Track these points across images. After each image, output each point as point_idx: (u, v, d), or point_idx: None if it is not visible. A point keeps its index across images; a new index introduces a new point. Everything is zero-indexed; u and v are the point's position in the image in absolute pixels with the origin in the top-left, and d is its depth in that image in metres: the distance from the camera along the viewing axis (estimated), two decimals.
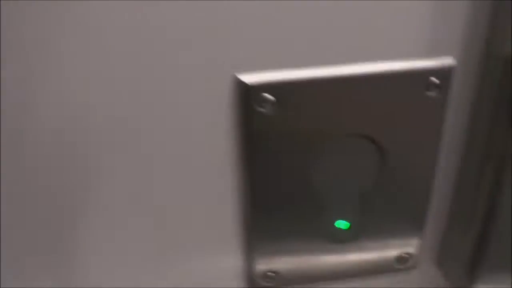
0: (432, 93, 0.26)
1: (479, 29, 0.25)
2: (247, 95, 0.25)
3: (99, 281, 0.30)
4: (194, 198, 0.28)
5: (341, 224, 0.29)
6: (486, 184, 0.28)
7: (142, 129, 0.26)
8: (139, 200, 0.28)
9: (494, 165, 0.27)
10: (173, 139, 0.26)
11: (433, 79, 0.26)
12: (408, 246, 0.31)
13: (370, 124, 0.26)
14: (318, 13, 0.24)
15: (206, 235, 0.29)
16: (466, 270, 0.30)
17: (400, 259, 0.31)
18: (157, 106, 0.25)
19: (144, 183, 0.27)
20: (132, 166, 0.27)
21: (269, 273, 0.30)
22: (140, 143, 0.26)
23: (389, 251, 0.31)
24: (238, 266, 0.31)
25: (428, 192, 0.29)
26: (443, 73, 0.26)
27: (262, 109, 0.25)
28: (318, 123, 0.26)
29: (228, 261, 0.30)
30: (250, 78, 0.25)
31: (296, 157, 0.27)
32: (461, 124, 0.28)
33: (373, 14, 0.24)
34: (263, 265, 0.30)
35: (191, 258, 0.30)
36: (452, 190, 0.30)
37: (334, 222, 0.29)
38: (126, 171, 0.27)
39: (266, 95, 0.25)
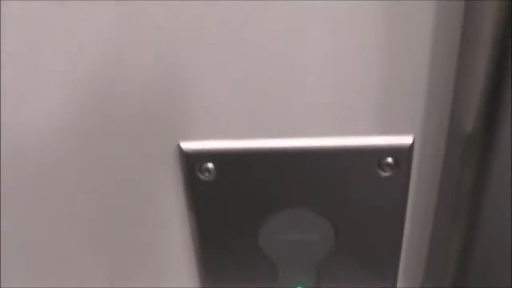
0: (386, 174, 0.24)
1: (443, 105, 0.23)
2: (188, 162, 0.25)
3: None
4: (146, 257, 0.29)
5: None
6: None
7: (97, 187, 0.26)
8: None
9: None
10: (126, 197, 0.27)
11: (388, 159, 0.24)
12: None
13: (318, 199, 0.25)
14: (270, 86, 0.23)
15: None
16: None
17: None
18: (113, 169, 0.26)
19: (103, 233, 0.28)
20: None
21: None
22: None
23: None
24: None
25: (392, 264, 0.27)
26: (400, 153, 0.24)
27: (202, 176, 0.25)
28: (260, 194, 0.25)
29: None
30: (190, 146, 0.24)
31: (241, 226, 0.26)
32: (425, 198, 0.26)
33: (326, 88, 0.23)
34: None
35: None
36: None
37: None
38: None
39: (206, 163, 0.25)
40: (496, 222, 0.23)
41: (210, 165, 0.25)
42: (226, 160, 0.24)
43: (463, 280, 0.25)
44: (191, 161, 0.25)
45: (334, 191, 0.25)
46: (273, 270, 0.28)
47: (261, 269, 0.28)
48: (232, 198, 0.25)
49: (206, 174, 0.25)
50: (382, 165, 0.24)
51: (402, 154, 0.24)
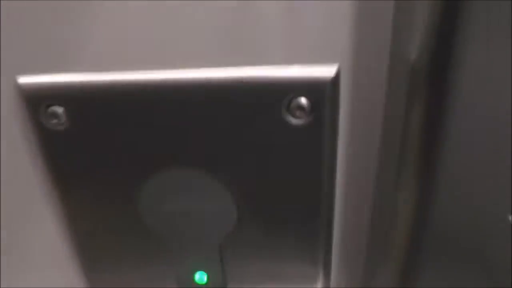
0: (298, 121, 0.17)
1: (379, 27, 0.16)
2: (29, 106, 0.18)
3: None
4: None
5: (199, 277, 0.21)
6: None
7: None
8: None
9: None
10: None
11: (301, 100, 0.17)
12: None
13: (210, 157, 0.18)
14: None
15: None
16: None
17: None
18: None
19: None
20: None
21: None
22: None
23: None
24: None
25: (317, 244, 0.21)
26: (318, 91, 0.17)
27: (48, 124, 0.18)
28: (131, 147, 0.18)
29: None
30: (31, 81, 0.18)
31: (111, 192, 0.19)
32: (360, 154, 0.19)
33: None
34: None
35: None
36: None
37: (192, 274, 0.22)
38: None
39: (54, 106, 0.18)
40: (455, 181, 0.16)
41: (59, 108, 0.18)
42: (81, 101, 0.17)
43: (415, 261, 0.19)
44: (33, 104, 0.18)
45: (230, 146, 0.18)
46: (165, 252, 0.21)
47: (148, 251, 0.21)
48: (93, 153, 0.18)
49: (55, 121, 0.18)
50: (292, 109, 0.17)
51: (320, 93, 0.17)
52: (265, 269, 0.22)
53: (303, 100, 0.17)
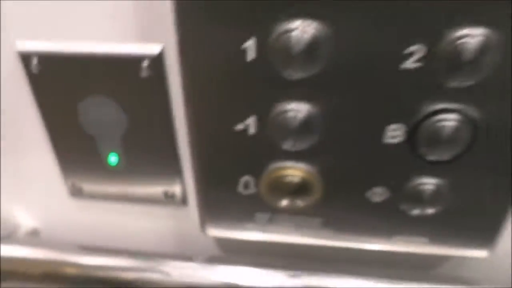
0: (146, 74, 0.36)
1: None
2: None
3: None
4: None
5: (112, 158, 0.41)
6: None
7: None
8: None
9: None
10: None
11: (144, 63, 0.35)
12: (173, 186, 0.42)
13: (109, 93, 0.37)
14: None
15: None
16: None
17: (167, 195, 0.42)
18: None
19: None
20: None
21: None
22: None
23: (157, 187, 0.42)
24: None
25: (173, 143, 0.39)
26: (153, 58, 0.35)
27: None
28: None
29: None
30: None
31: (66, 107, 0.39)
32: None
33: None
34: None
35: None
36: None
37: (107, 156, 0.41)
38: None
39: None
40: None
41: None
42: None
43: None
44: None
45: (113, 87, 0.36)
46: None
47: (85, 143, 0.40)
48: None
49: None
50: (141, 68, 0.35)
51: (156, 58, 0.35)
52: None
53: (145, 63, 0.35)
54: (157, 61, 0.34)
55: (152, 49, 0.34)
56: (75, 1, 0.33)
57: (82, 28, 0.34)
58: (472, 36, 0.27)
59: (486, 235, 0.38)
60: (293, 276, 0.40)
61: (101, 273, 0.39)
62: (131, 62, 0.35)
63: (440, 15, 0.27)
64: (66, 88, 0.37)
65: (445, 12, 0.27)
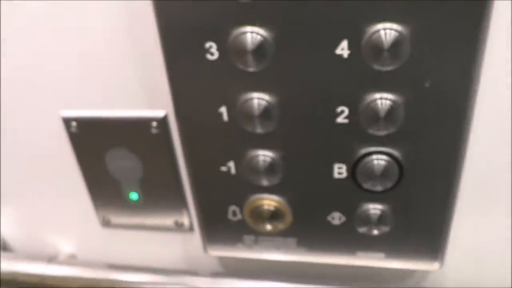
0: (155, 131, 0.48)
1: None
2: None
3: None
4: None
5: (133, 195, 0.53)
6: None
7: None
8: None
9: None
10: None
11: (153, 123, 0.48)
12: (182, 216, 0.54)
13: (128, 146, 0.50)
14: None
15: None
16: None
17: (177, 224, 0.54)
18: None
19: None
20: None
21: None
22: None
23: (169, 218, 0.54)
24: None
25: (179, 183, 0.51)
26: (160, 119, 0.48)
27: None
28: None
29: None
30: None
31: (96, 158, 0.52)
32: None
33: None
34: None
35: None
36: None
37: (129, 195, 0.53)
38: None
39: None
40: None
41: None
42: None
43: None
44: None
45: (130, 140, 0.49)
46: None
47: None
48: None
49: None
50: (151, 127, 0.48)
51: (162, 120, 0.47)
52: None
53: (155, 123, 0.48)
54: (163, 121, 0.47)
55: (159, 113, 0.46)
56: (102, 83, 0.46)
57: (108, 99, 0.47)
58: (382, 100, 0.37)
59: (434, 249, 0.46)
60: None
61: (125, 286, 0.51)
62: (144, 123, 0.47)
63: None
64: (96, 143, 0.49)
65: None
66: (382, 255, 0.48)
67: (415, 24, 0.33)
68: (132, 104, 0.46)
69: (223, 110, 0.40)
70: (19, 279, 0.53)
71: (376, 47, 0.34)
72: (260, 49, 0.35)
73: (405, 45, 0.34)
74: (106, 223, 0.55)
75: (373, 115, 0.38)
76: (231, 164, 0.43)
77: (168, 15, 0.36)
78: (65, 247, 0.59)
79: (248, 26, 0.35)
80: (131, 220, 0.54)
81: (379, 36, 0.33)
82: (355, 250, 0.48)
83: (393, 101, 0.36)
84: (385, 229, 0.46)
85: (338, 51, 0.35)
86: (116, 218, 0.54)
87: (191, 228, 0.53)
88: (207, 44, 0.37)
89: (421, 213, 0.44)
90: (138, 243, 0.56)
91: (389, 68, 0.35)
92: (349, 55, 0.35)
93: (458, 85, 0.35)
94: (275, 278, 0.51)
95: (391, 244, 0.47)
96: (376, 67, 0.35)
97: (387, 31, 0.33)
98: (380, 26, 0.34)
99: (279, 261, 0.49)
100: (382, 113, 0.37)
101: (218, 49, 0.37)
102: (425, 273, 0.51)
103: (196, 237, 0.54)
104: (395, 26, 0.33)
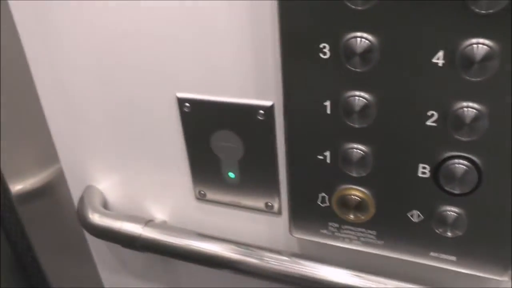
0: (261, 118, 0.58)
1: None
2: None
3: None
4: None
5: (231, 174, 0.63)
6: None
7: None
8: None
9: None
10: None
11: (261, 111, 0.58)
12: (273, 200, 0.63)
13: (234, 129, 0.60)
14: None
15: None
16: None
17: (267, 206, 0.64)
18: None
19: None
20: None
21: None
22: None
23: (260, 200, 0.64)
24: None
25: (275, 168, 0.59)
26: (267, 108, 0.57)
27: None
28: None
29: None
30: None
31: (203, 136, 0.62)
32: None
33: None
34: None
35: None
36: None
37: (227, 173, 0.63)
38: None
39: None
40: None
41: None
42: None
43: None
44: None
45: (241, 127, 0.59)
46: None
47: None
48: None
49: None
50: (258, 114, 0.58)
51: (268, 109, 0.57)
52: None
53: (261, 111, 0.58)
54: (269, 110, 0.55)
55: (266, 102, 0.56)
56: (219, 71, 0.56)
57: (221, 86, 0.56)
58: (468, 109, 0.44)
59: (505, 259, 0.51)
60: (355, 275, 0.59)
61: (212, 254, 0.61)
62: (252, 109, 0.55)
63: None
64: (205, 123, 0.58)
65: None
66: (453, 258, 0.53)
67: (505, 41, 0.39)
68: (243, 92, 0.54)
69: (327, 103, 0.49)
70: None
71: (468, 59, 0.41)
72: (366, 52, 0.44)
73: (495, 60, 0.40)
74: (201, 197, 0.64)
75: (459, 121, 0.44)
76: (327, 153, 0.52)
77: (290, 16, 0.44)
78: (159, 214, 0.69)
79: (358, 32, 0.43)
80: (225, 197, 0.63)
81: (472, 49, 0.41)
82: (429, 250, 0.54)
83: (478, 110, 0.44)
84: (459, 233, 0.51)
85: (434, 60, 0.42)
86: (211, 194, 0.64)
87: (279, 212, 0.61)
88: (322, 45, 0.45)
89: (496, 222, 0.49)
90: (228, 219, 0.65)
91: (478, 79, 0.42)
92: (444, 64, 0.42)
93: None
94: (352, 267, 0.58)
95: (464, 249, 0.52)
96: (466, 77, 0.42)
97: (479, 45, 0.40)
98: (473, 40, 0.40)
99: (357, 251, 0.57)
100: (468, 120, 0.44)
101: (330, 50, 0.45)
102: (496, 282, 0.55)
103: (283, 220, 0.62)
104: (487, 41, 0.40)
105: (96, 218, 0.64)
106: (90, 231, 0.66)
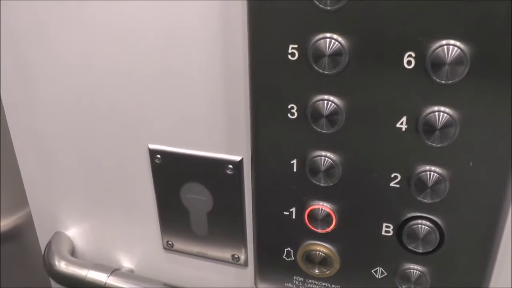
0: (230, 172, 0.58)
1: None
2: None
3: None
4: None
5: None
6: None
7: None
8: None
9: None
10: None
11: (230, 166, 0.58)
12: (239, 252, 0.63)
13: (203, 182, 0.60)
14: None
15: None
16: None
17: (234, 258, 0.64)
18: None
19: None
20: None
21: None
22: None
23: (227, 251, 0.63)
24: None
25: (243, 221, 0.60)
26: (236, 163, 0.58)
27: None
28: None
29: None
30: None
31: (173, 188, 0.62)
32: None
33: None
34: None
35: None
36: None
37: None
38: None
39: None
40: None
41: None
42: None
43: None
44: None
45: (207, 181, 0.59)
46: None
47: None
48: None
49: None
50: (227, 168, 0.58)
51: (237, 163, 0.57)
52: None
53: (230, 166, 0.58)
54: (238, 165, 0.56)
55: (235, 157, 0.56)
56: (193, 125, 0.56)
57: (194, 140, 0.57)
58: (430, 172, 0.46)
59: None
60: None
61: None
62: (222, 163, 0.56)
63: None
64: (175, 175, 0.59)
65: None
66: None
67: (464, 109, 0.41)
68: (213, 146, 0.55)
69: (294, 162, 0.49)
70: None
71: (430, 126, 0.42)
72: (333, 114, 0.45)
73: (455, 126, 0.42)
74: (168, 247, 0.64)
75: (422, 184, 0.46)
76: (293, 210, 0.52)
77: (260, 75, 0.46)
78: (127, 263, 0.69)
79: (326, 95, 0.45)
80: (193, 248, 0.63)
81: (433, 116, 0.42)
82: None
83: (440, 174, 0.45)
84: None
85: (398, 124, 0.44)
86: (179, 244, 0.64)
87: (245, 264, 0.61)
88: (290, 105, 0.46)
89: (457, 279, 0.50)
90: (195, 270, 0.65)
91: (439, 144, 0.43)
92: (407, 129, 0.43)
93: (497, 169, 0.43)
94: None
95: None
96: (429, 142, 0.43)
97: (440, 113, 0.42)
98: (435, 108, 0.42)
99: None
100: (430, 184, 0.46)
101: (297, 110, 0.46)
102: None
103: (249, 272, 0.62)
104: (447, 109, 0.42)
105: (62, 265, 0.63)
106: (56, 278, 0.65)
